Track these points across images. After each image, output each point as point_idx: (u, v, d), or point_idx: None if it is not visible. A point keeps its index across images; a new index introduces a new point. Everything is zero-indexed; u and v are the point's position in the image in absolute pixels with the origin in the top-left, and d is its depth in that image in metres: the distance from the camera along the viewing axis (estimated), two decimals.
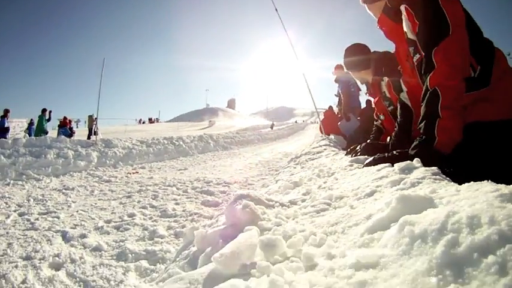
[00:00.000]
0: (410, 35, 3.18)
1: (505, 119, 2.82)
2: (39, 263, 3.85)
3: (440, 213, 1.09)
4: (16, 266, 3.75)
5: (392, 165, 2.46)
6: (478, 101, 2.88)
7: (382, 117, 4.76)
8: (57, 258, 3.95)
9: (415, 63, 3.22)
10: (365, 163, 3.14)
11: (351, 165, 3.42)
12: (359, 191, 2.17)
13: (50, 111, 25.14)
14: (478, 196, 1.18)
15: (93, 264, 3.86)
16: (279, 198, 2.65)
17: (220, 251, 1.44)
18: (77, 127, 43.56)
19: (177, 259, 2.55)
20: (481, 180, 1.53)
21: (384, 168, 2.49)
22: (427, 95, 2.87)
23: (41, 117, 24.49)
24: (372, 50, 5.10)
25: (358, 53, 4.85)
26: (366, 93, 5.92)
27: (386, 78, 4.45)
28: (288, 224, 1.94)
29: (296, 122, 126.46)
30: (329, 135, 11.87)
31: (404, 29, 3.27)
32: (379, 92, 4.71)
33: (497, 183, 1.39)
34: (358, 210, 1.80)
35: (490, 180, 1.50)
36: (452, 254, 0.89)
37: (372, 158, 3.18)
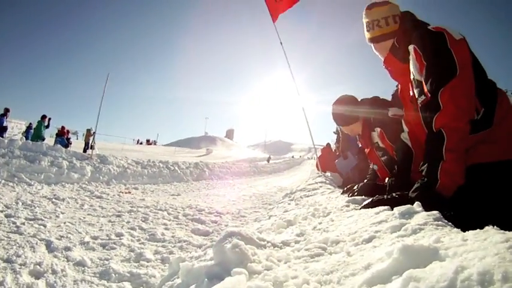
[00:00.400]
0: (417, 76, 3.14)
1: (506, 160, 2.77)
2: (20, 268, 3.78)
3: (448, 268, 0.98)
4: None
5: (392, 209, 2.36)
6: (479, 142, 2.83)
7: (375, 167, 4.69)
8: (38, 267, 3.86)
9: (419, 105, 3.15)
10: (362, 205, 3.05)
11: (348, 206, 3.32)
12: (356, 235, 2.04)
13: (50, 119, 24.98)
14: (487, 247, 1.09)
15: (75, 278, 3.78)
16: (271, 237, 2.53)
17: None
18: (77, 139, 43.46)
19: None
20: (482, 223, 1.50)
21: (383, 212, 2.38)
22: (432, 136, 2.83)
23: (39, 123, 24.33)
24: (359, 99, 5.03)
25: (345, 108, 4.75)
26: (358, 142, 5.88)
27: (378, 129, 4.39)
28: (280, 268, 1.82)
29: (293, 157, 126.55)
30: (325, 172, 11.85)
31: (411, 69, 3.24)
32: (370, 143, 4.65)
33: (500, 226, 1.36)
34: (355, 257, 1.65)
35: (494, 226, 1.46)
36: None
37: (370, 199, 3.10)
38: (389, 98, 5.22)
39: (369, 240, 1.85)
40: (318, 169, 13.03)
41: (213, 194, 14.47)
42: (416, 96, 3.16)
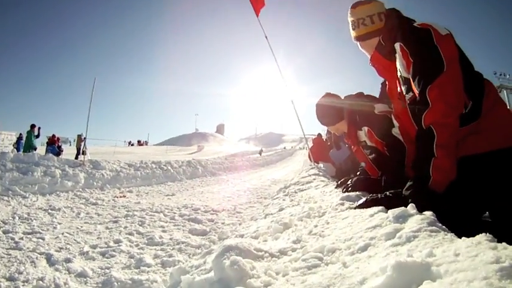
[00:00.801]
0: (404, 73, 3.19)
1: (494, 150, 2.80)
2: (23, 285, 3.79)
3: None
4: None
5: (386, 210, 2.43)
6: (467, 135, 2.88)
7: (363, 164, 4.68)
8: (41, 282, 3.86)
9: (408, 102, 3.22)
10: (357, 204, 3.07)
11: (342, 204, 3.32)
12: (352, 242, 2.08)
13: (39, 128, 24.81)
14: (477, 268, 1.15)
15: None
16: (268, 246, 2.54)
17: None
18: (70, 145, 43.14)
19: None
20: (476, 213, 1.85)
21: (377, 214, 2.43)
22: (422, 133, 2.87)
23: (29, 133, 24.10)
24: (343, 96, 4.97)
25: (329, 107, 4.77)
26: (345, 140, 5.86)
27: (365, 128, 4.31)
28: (278, 283, 1.85)
29: (285, 148, 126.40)
30: (318, 162, 11.88)
31: (398, 67, 3.28)
32: (356, 142, 4.61)
33: (492, 211, 1.39)
34: (351, 269, 1.68)
35: (486, 233, 1.50)
36: None
37: (364, 198, 3.13)
38: (377, 89, 5.22)
39: (364, 248, 1.89)
40: (311, 160, 13.05)
41: (207, 191, 14.48)
42: (404, 93, 3.23)
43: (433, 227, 1.83)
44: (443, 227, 1.89)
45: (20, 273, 4.08)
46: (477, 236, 1.48)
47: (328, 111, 4.82)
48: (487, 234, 1.47)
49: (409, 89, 3.10)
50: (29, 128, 24.51)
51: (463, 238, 1.53)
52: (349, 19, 3.69)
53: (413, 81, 2.98)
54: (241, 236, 3.83)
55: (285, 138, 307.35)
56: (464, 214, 2.41)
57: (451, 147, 2.74)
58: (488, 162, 2.79)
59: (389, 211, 2.27)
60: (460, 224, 1.92)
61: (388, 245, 1.77)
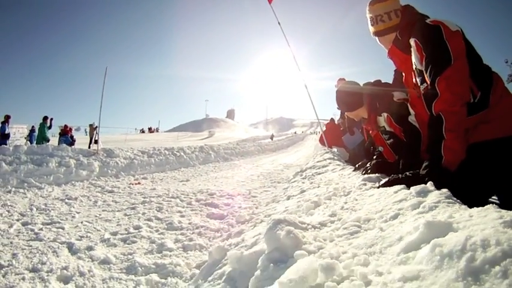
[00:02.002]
0: (419, 66, 3.40)
1: (502, 137, 3.08)
2: (47, 275, 3.78)
3: (460, 237, 1.35)
4: (23, 278, 3.69)
5: (408, 187, 2.66)
6: (478, 123, 3.15)
7: (381, 148, 4.78)
8: (65, 271, 3.88)
9: (422, 92, 3.45)
10: (381, 183, 3.29)
11: (365, 184, 3.56)
12: (383, 213, 2.32)
13: (52, 119, 24.93)
14: (486, 222, 1.47)
15: (103, 277, 3.81)
16: (308, 220, 2.68)
17: (287, 277, 1.54)
18: (85, 133, 43.21)
19: (209, 278, 2.58)
20: (483, 195, 2.07)
21: (401, 191, 2.65)
22: (433, 119, 3.17)
23: (42, 125, 24.17)
24: (362, 84, 5.10)
25: (349, 93, 4.87)
26: (363, 125, 5.91)
27: (385, 114, 4.46)
28: (329, 247, 2.02)
29: (295, 133, 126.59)
30: (331, 147, 11.87)
31: (413, 60, 3.49)
32: (376, 127, 4.69)
33: (500, 193, 2.14)
34: (388, 232, 1.94)
35: (493, 204, 1.77)
36: (471, 266, 1.19)
37: (386, 178, 3.36)
38: (386, 72, 5.30)
39: (395, 217, 2.15)
40: (324, 144, 13.05)
41: (221, 176, 14.56)
42: (419, 84, 3.48)
43: (450, 200, 2.11)
44: (458, 200, 2.15)
45: (43, 263, 4.08)
46: (486, 206, 1.75)
47: (348, 97, 4.92)
48: (494, 204, 1.73)
49: (423, 81, 3.36)
50: (41, 120, 24.56)
51: (475, 208, 1.80)
52: (368, 15, 3.92)
53: (426, 73, 3.25)
54: (270, 215, 3.95)
55: (295, 123, 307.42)
56: (474, 194, 2.66)
57: (458, 131, 3.04)
58: (497, 148, 3.08)
59: (411, 188, 2.51)
60: (470, 201, 2.11)
61: (414, 213, 2.06)
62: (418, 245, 1.56)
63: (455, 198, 2.18)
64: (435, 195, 2.22)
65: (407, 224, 1.92)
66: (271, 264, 1.92)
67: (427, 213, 1.99)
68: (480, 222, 1.52)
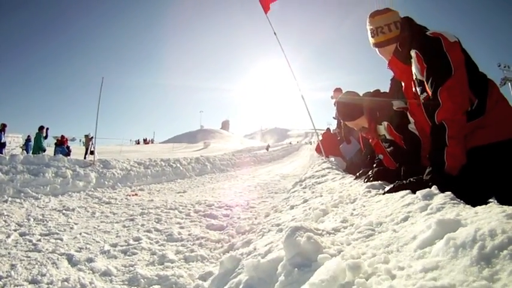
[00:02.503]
0: (419, 76, 3.53)
1: (498, 141, 3.23)
2: (48, 287, 3.74)
3: (470, 230, 1.49)
4: None
5: (413, 192, 2.72)
6: (475, 128, 3.31)
7: (381, 156, 4.86)
8: (66, 283, 3.83)
9: (422, 101, 3.60)
10: (386, 190, 3.38)
11: (369, 191, 3.63)
12: (393, 216, 2.42)
13: (47, 129, 24.92)
14: (491, 216, 1.63)
15: None
16: (321, 227, 2.74)
17: (318, 278, 1.62)
18: (81, 143, 42.97)
19: (225, 287, 2.61)
20: (485, 196, 2.21)
21: (407, 195, 2.74)
22: (435, 128, 3.33)
23: (38, 135, 24.12)
24: (361, 94, 5.19)
25: (349, 103, 4.95)
26: (361, 134, 5.99)
27: (385, 123, 4.55)
28: (348, 249, 2.11)
29: (291, 143, 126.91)
30: (328, 157, 11.90)
31: (413, 70, 3.63)
32: (376, 136, 4.77)
33: (497, 195, 2.30)
34: (402, 233, 2.05)
35: (495, 201, 1.92)
36: (483, 253, 1.33)
37: (391, 185, 3.45)
38: (380, 82, 5.37)
39: (405, 219, 2.27)
40: (321, 152, 13.14)
41: (218, 187, 14.56)
42: (419, 93, 3.63)
43: (455, 201, 2.24)
44: (462, 201, 2.27)
45: (43, 275, 4.03)
46: (488, 204, 1.94)
47: (349, 107, 4.99)
48: (496, 202, 1.86)
49: (423, 90, 3.53)
50: (36, 130, 24.56)
51: (478, 206, 1.95)
52: (368, 27, 4.04)
53: (427, 84, 3.43)
54: (278, 225, 4.07)
55: (290, 133, 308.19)
56: (475, 196, 2.76)
57: (460, 137, 3.23)
58: (493, 152, 3.24)
59: (417, 192, 2.62)
60: (472, 203, 2.20)
61: (423, 214, 2.18)
62: (433, 240, 1.70)
63: (459, 200, 2.29)
64: (441, 197, 2.35)
65: (419, 224, 2.04)
66: (296, 269, 1.96)
67: (435, 213, 2.11)
68: (486, 217, 1.67)
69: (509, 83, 37.15)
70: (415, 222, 2.12)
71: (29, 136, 28.41)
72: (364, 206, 3.15)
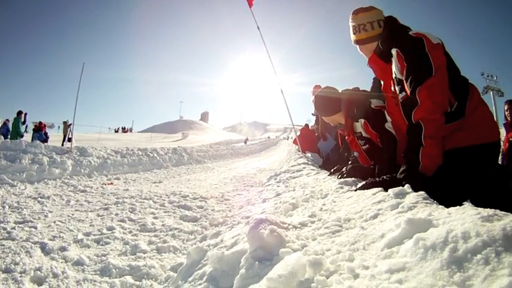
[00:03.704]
0: (399, 75, 3.56)
1: (475, 144, 3.31)
2: (20, 276, 3.73)
3: (442, 231, 1.46)
4: None
5: (385, 190, 2.74)
6: (454, 131, 3.35)
7: (356, 154, 4.91)
8: (38, 272, 3.83)
9: (401, 100, 3.62)
10: (358, 186, 3.41)
11: (342, 188, 3.64)
12: (363, 213, 2.42)
13: (26, 114, 24.51)
14: (465, 218, 1.58)
15: (77, 279, 3.78)
16: (288, 220, 2.75)
17: (276, 273, 1.60)
18: (58, 130, 42.02)
19: (189, 279, 2.62)
20: (459, 197, 2.15)
21: (379, 193, 2.74)
22: (412, 127, 3.34)
23: (16, 120, 23.69)
24: (340, 90, 5.16)
25: (327, 98, 4.99)
26: (338, 131, 6.04)
27: (362, 120, 4.55)
28: (312, 244, 2.10)
29: (269, 137, 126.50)
30: (305, 152, 11.96)
31: (393, 69, 3.65)
32: (352, 133, 4.81)
33: (472, 196, 2.23)
34: (369, 230, 2.03)
35: (469, 202, 1.94)
36: (454, 256, 1.30)
37: (363, 182, 3.50)
38: (361, 81, 5.43)
39: (375, 216, 2.25)
40: (297, 145, 13.25)
41: (194, 178, 14.59)
42: (398, 93, 3.64)
43: (428, 200, 2.22)
44: (435, 201, 2.25)
45: (16, 264, 4.03)
46: (463, 205, 1.94)
47: (326, 102, 5.00)
48: (470, 203, 1.87)
49: (402, 89, 3.53)
50: (14, 115, 24.23)
51: (452, 207, 1.92)
52: (351, 24, 4.03)
53: (406, 83, 3.40)
54: (247, 217, 4.11)
55: (269, 128, 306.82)
56: (450, 198, 2.73)
57: (437, 138, 3.22)
58: (471, 154, 3.31)
59: (390, 190, 2.63)
60: (446, 204, 2.15)
61: (394, 212, 2.16)
62: (401, 240, 1.67)
63: (432, 200, 2.28)
64: (413, 196, 2.33)
65: (388, 222, 2.01)
66: (256, 262, 1.96)
67: (406, 212, 2.09)
68: (459, 218, 1.62)
69: (491, 92, 37.67)
70: (385, 220, 2.12)
71: (7, 120, 27.84)
72: (334, 202, 3.15)
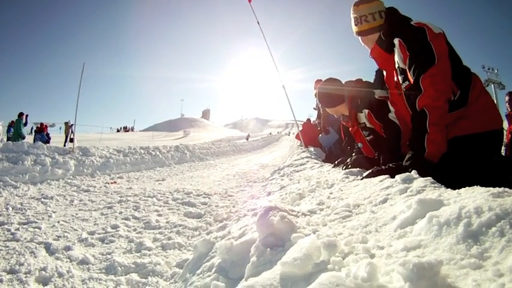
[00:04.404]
0: (402, 65, 3.59)
1: (479, 132, 3.37)
2: (25, 277, 3.72)
3: (454, 208, 1.50)
4: (1, 280, 3.62)
5: (392, 177, 2.75)
6: (458, 119, 3.42)
7: (360, 145, 4.90)
8: (43, 272, 3.82)
9: (404, 89, 3.64)
10: (364, 175, 3.44)
11: (347, 177, 3.67)
12: (372, 199, 2.44)
13: (27, 115, 24.52)
14: (476, 196, 1.60)
15: (82, 278, 3.77)
16: (297, 208, 2.72)
17: (291, 256, 1.57)
18: (60, 130, 42.02)
19: (197, 271, 2.61)
20: (465, 184, 2.01)
21: (386, 180, 2.75)
22: (416, 115, 3.35)
23: (18, 121, 23.79)
24: (343, 81, 5.21)
25: (331, 90, 5.00)
26: (342, 123, 6.02)
27: (366, 111, 4.58)
28: (324, 229, 2.11)
29: (271, 133, 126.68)
30: (308, 147, 11.96)
31: (396, 59, 3.70)
32: (356, 123, 4.80)
33: (477, 183, 1.94)
34: (380, 214, 2.06)
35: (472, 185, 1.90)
36: (469, 230, 1.34)
37: (369, 170, 3.50)
38: (364, 76, 5.41)
39: (384, 201, 2.27)
40: (300, 140, 13.24)
41: (197, 175, 14.59)
42: (401, 82, 3.68)
43: (436, 184, 2.26)
44: (443, 185, 2.27)
45: (21, 264, 4.01)
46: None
47: (330, 94, 5.02)
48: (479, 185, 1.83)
49: (405, 79, 3.56)
50: (16, 117, 24.27)
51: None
52: (352, 16, 4.05)
53: (409, 72, 3.44)
54: (253, 209, 4.10)
55: (271, 124, 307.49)
56: (455, 184, 2.62)
57: (441, 125, 3.28)
58: (475, 142, 3.37)
59: (397, 176, 2.65)
60: (454, 187, 2.15)
61: (403, 196, 2.20)
62: (414, 220, 1.70)
63: (440, 184, 2.30)
64: (421, 181, 2.35)
65: (399, 205, 2.04)
66: (268, 249, 1.95)
67: (415, 195, 2.09)
68: (470, 196, 1.65)
69: (492, 85, 37.77)
70: (395, 203, 2.13)
71: (12, 122, 27.76)
72: (341, 190, 3.16)
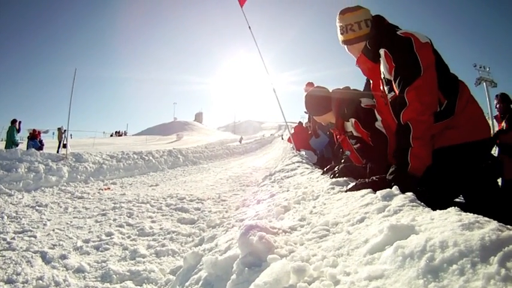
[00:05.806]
0: (387, 75, 3.52)
1: (467, 142, 3.26)
2: (23, 286, 3.81)
3: (421, 239, 1.47)
4: None
5: (374, 192, 2.71)
6: (444, 129, 3.31)
7: (348, 153, 4.93)
8: (40, 282, 3.89)
9: (390, 100, 3.59)
10: (348, 188, 3.37)
11: (333, 188, 3.63)
12: (350, 217, 2.40)
13: (20, 122, 24.25)
14: (446, 225, 1.58)
15: (79, 286, 3.85)
16: (279, 224, 2.79)
17: (262, 280, 1.63)
18: (53, 135, 41.73)
19: (186, 284, 2.69)
20: (451, 194, 2.20)
21: (367, 195, 2.72)
22: (400, 128, 3.27)
23: (11, 129, 23.36)
24: (331, 89, 5.14)
25: (318, 98, 5.02)
26: (330, 129, 6.06)
27: (352, 120, 4.51)
28: (299, 250, 2.11)
29: (264, 136, 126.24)
30: (300, 150, 12.01)
31: (382, 69, 3.64)
32: (343, 132, 4.81)
33: (464, 192, 2.23)
34: (355, 235, 2.03)
35: (455, 207, 1.86)
36: (431, 265, 1.30)
37: (353, 183, 3.45)
38: (353, 81, 5.47)
39: (362, 220, 2.25)
40: (291, 143, 13.27)
41: (190, 180, 14.66)
42: (386, 93, 3.61)
43: (414, 203, 2.20)
44: (422, 203, 2.24)
45: (18, 274, 4.08)
46: (448, 208, 1.86)
47: (317, 102, 5.03)
48: (456, 207, 1.83)
49: (391, 89, 3.48)
50: (9, 124, 24.13)
51: (437, 210, 1.90)
52: (338, 24, 3.97)
53: (395, 83, 3.36)
54: (241, 220, 4.14)
55: (264, 126, 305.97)
56: (440, 195, 2.84)
57: (425, 138, 3.17)
58: (462, 152, 3.27)
59: (377, 192, 2.60)
60: (435, 204, 2.22)
61: (380, 216, 2.17)
62: (383, 246, 1.68)
63: (419, 202, 2.28)
64: (400, 198, 2.34)
65: (373, 227, 2.04)
66: (246, 268, 1.99)
67: (391, 216, 2.11)
68: (440, 225, 1.64)
69: (484, 83, 37.80)
70: (370, 224, 2.13)
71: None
72: (324, 204, 3.17)
